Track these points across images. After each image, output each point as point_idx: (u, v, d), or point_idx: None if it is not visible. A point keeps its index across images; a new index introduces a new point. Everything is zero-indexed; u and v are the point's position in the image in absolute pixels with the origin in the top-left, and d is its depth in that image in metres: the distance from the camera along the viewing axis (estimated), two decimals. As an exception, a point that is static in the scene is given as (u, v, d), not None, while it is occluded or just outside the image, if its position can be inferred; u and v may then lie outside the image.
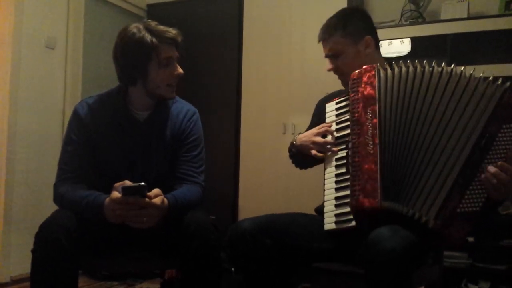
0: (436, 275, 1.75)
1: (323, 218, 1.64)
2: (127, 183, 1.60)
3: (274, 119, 3.40)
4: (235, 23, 3.63)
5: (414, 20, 3.20)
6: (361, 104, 1.56)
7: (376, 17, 3.50)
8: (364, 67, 1.61)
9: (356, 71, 1.62)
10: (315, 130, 1.73)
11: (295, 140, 1.80)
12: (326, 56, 1.83)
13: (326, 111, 1.76)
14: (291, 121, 3.31)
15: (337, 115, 1.70)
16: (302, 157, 1.81)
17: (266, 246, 1.60)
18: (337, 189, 1.61)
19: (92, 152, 1.79)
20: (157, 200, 1.59)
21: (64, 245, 1.53)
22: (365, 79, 1.58)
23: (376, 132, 1.51)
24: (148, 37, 1.72)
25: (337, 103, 1.72)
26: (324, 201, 1.66)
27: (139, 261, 1.84)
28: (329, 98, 1.87)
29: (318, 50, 2.06)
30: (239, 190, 3.54)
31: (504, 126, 1.44)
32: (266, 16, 3.48)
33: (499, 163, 1.39)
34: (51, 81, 3.35)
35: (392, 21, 3.28)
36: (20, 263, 3.04)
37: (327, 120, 1.73)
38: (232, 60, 3.63)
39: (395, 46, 3.09)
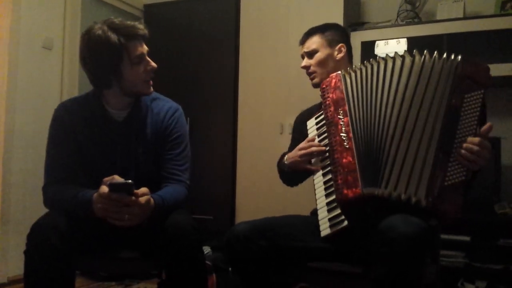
0: (433, 274, 1.75)
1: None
2: (116, 178, 1.58)
3: (271, 119, 3.40)
4: (232, 23, 3.62)
5: (410, 20, 3.21)
6: (332, 107, 1.68)
7: (372, 17, 3.53)
8: (331, 75, 1.74)
9: (325, 80, 1.75)
10: (299, 146, 1.81)
11: (286, 160, 1.87)
12: (302, 54, 2.01)
13: (308, 127, 1.86)
14: (288, 121, 3.32)
15: (317, 129, 1.80)
16: (291, 174, 1.89)
17: (262, 248, 1.62)
18: (327, 195, 1.67)
19: (76, 152, 1.78)
20: (142, 200, 1.57)
21: (56, 245, 1.53)
22: (332, 85, 1.71)
23: (349, 129, 1.61)
24: (114, 37, 1.66)
25: (316, 118, 1.83)
26: (317, 209, 1.69)
27: (130, 262, 1.84)
28: (305, 114, 2.01)
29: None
30: (236, 190, 3.53)
31: (466, 96, 1.51)
32: (263, 16, 3.48)
33: (469, 139, 1.46)
34: (48, 82, 3.35)
35: (388, 21, 3.29)
36: (17, 264, 3.02)
37: (309, 136, 1.82)
38: (229, 60, 3.62)
39: (391, 46, 3.09)
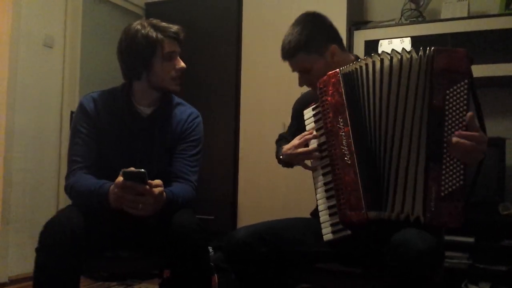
0: (437, 276, 1.74)
1: (319, 221, 1.64)
2: (131, 169, 1.61)
3: (274, 118, 3.38)
4: (234, 20, 3.61)
5: (414, 19, 3.19)
6: (331, 114, 1.55)
7: (376, 16, 3.51)
8: (328, 73, 1.58)
9: (321, 79, 1.59)
10: (296, 141, 1.70)
11: (282, 155, 1.77)
12: (294, 71, 1.80)
13: (305, 118, 1.72)
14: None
15: (315, 121, 1.67)
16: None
17: (262, 254, 1.59)
18: (328, 198, 1.60)
19: (97, 144, 1.83)
20: (155, 190, 1.60)
21: (69, 245, 1.55)
22: (330, 86, 1.56)
23: (351, 141, 1.51)
24: (153, 32, 1.79)
25: (313, 109, 1.68)
26: (318, 211, 1.66)
27: (131, 261, 1.84)
28: (304, 98, 1.91)
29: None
30: (238, 190, 3.52)
31: (447, 92, 1.39)
32: (266, 13, 3.47)
33: (458, 133, 1.36)
34: (49, 80, 3.33)
35: (392, 20, 3.27)
36: (18, 263, 3.02)
37: (307, 128, 1.70)
38: (231, 58, 3.61)
39: (395, 45, 3.07)
